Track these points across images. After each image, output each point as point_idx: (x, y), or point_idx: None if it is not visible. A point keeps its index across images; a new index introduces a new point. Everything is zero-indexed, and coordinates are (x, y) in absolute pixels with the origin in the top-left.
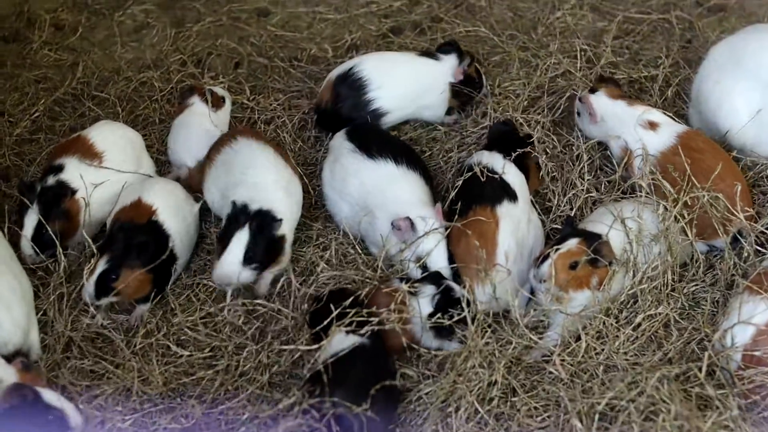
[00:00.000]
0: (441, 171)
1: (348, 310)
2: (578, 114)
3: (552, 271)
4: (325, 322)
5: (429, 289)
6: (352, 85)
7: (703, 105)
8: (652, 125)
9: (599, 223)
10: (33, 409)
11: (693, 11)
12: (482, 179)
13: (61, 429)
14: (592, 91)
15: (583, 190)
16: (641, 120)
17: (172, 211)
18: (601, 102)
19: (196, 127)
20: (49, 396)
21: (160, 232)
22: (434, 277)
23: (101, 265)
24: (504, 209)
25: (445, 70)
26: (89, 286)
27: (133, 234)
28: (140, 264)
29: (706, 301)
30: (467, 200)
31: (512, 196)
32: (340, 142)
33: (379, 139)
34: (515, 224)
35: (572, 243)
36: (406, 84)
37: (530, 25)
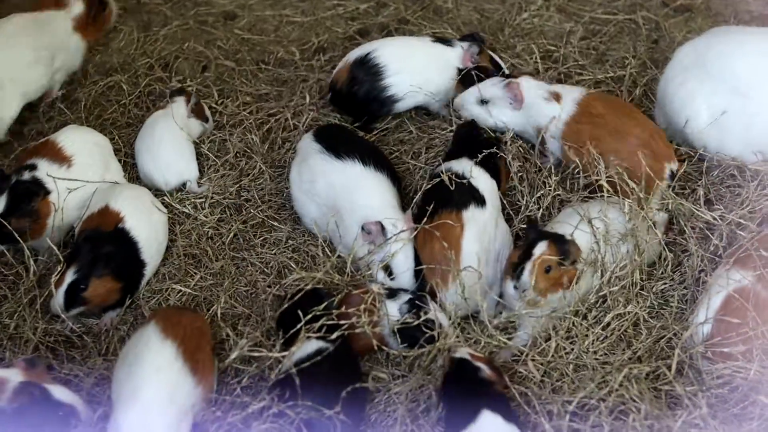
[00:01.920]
0: (409, 173)
1: (319, 314)
2: (483, 103)
3: (533, 279)
4: (298, 326)
5: (402, 295)
6: (369, 70)
7: (667, 106)
8: (556, 96)
9: (566, 223)
10: (43, 406)
11: (659, 12)
12: (450, 188)
13: (74, 422)
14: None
15: (550, 190)
16: (545, 93)
17: (140, 217)
18: (528, 86)
19: (164, 129)
20: (58, 392)
21: (128, 239)
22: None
23: (70, 276)
24: (470, 214)
25: (456, 56)
26: (58, 297)
27: (100, 243)
28: (109, 273)
29: (674, 298)
30: (434, 204)
31: (480, 201)
32: (307, 143)
33: (347, 140)
34: (481, 229)
35: (543, 247)
36: (421, 72)
37: (497, 27)
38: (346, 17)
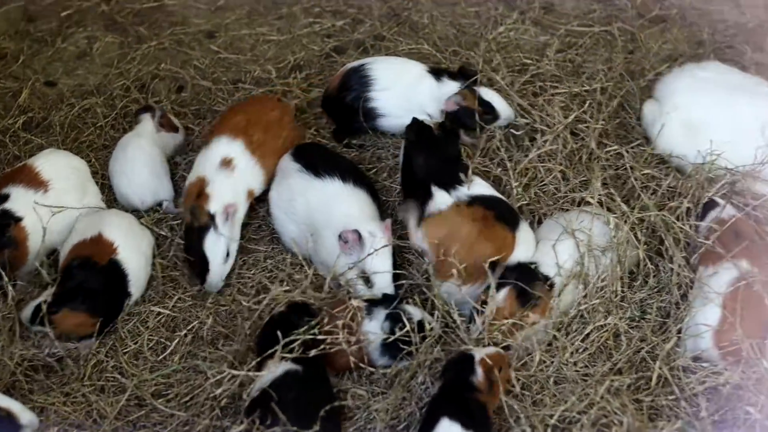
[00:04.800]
0: (386, 190)
1: (296, 334)
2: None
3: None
4: (272, 349)
5: (382, 310)
6: (359, 80)
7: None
8: (227, 163)
9: (548, 240)
10: None
11: (635, 23)
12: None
13: (12, 428)
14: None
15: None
16: (219, 169)
17: (131, 247)
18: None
19: (136, 148)
20: None
21: (119, 272)
22: (387, 299)
23: (46, 294)
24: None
25: (442, 94)
26: (27, 308)
27: (90, 277)
28: (85, 309)
29: (652, 308)
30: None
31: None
32: (286, 162)
33: (326, 159)
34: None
35: (500, 300)
36: (404, 94)
37: (473, 41)
38: (323, 34)
